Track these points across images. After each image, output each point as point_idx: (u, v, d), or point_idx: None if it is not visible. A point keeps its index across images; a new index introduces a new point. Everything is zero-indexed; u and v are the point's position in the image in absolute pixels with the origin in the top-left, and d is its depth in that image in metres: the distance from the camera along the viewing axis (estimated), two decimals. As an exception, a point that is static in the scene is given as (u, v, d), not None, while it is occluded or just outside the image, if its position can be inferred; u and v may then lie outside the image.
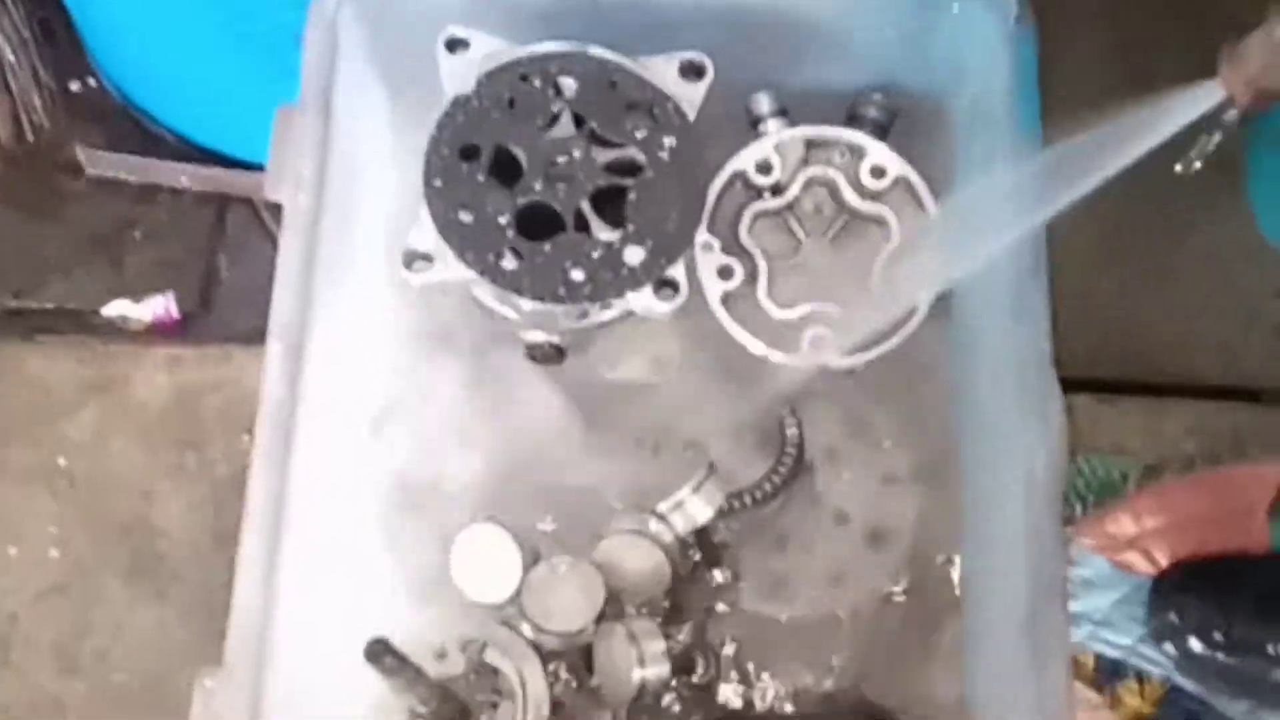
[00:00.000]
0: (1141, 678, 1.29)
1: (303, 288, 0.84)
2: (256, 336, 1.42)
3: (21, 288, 1.51)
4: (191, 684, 0.75)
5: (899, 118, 0.95)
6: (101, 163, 1.53)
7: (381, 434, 0.91)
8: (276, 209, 1.46)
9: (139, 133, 1.53)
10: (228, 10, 1.35)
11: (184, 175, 1.53)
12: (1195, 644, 1.25)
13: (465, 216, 0.87)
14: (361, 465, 0.90)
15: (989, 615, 0.83)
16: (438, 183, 0.88)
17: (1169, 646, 1.26)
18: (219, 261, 1.55)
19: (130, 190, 1.54)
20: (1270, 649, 1.23)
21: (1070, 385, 1.24)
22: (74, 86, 1.54)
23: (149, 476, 1.46)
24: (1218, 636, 1.24)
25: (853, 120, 0.96)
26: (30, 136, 1.52)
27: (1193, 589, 1.28)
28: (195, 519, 1.43)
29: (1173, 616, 1.26)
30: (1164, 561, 1.30)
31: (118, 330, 1.51)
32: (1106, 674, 1.30)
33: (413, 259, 0.87)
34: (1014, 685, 0.77)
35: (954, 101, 0.94)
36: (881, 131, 0.96)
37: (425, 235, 0.87)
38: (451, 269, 0.86)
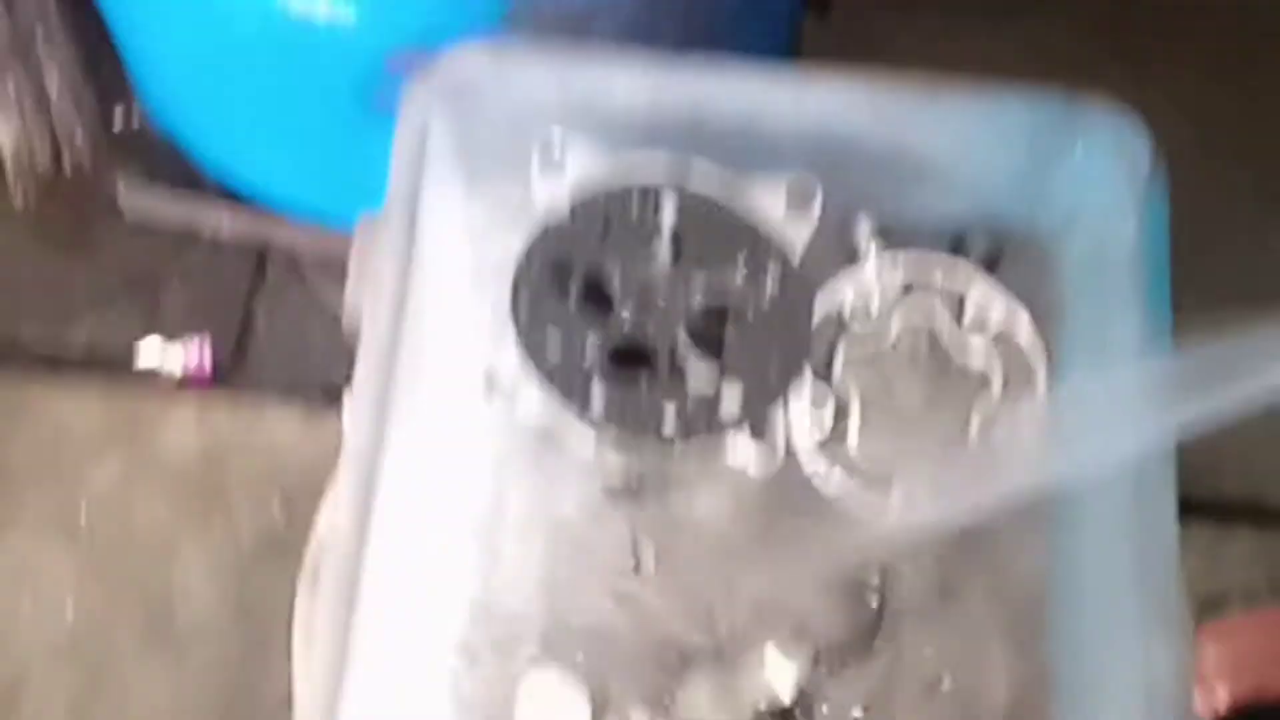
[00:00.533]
0: (1193, 819, 1.25)
1: (379, 416, 0.79)
2: (291, 391, 1.38)
3: (51, 325, 1.47)
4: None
5: (1009, 260, 0.90)
6: (141, 201, 1.49)
7: (457, 562, 0.86)
8: (318, 264, 1.42)
9: (181, 174, 1.49)
10: (282, 56, 1.30)
11: (225, 217, 1.49)
12: (1254, 794, 1.21)
13: (553, 344, 0.82)
14: (434, 593, 0.86)
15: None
16: (524, 309, 0.83)
17: (1225, 794, 1.22)
18: (256, 311, 1.51)
19: (169, 233, 1.50)
20: (1329, 800, 1.19)
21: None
22: (117, 122, 1.49)
23: (172, 535, 1.42)
24: (1277, 784, 1.20)
25: (957, 260, 0.92)
26: (69, 171, 1.47)
27: (1252, 735, 1.24)
28: (217, 585, 1.39)
29: (1231, 761, 1.22)
30: (1223, 703, 1.26)
31: (149, 378, 1.46)
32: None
33: (494, 388, 0.82)
34: None
35: (1072, 250, 0.90)
36: (987, 275, 0.91)
37: (508, 363, 0.82)
38: (535, 402, 0.82)
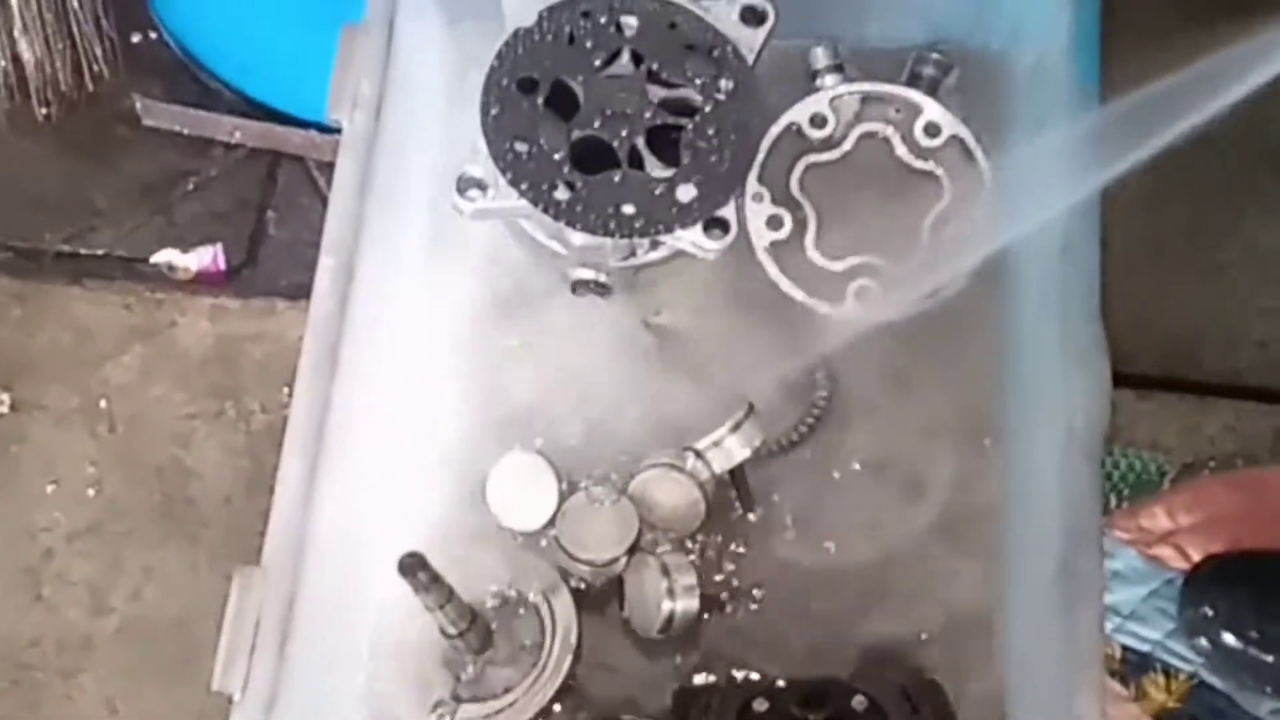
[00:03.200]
0: (1168, 672, 1.28)
1: (356, 208, 0.85)
2: (302, 292, 1.44)
3: (72, 232, 1.54)
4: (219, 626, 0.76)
5: (957, 75, 0.95)
6: (158, 113, 1.56)
7: (424, 359, 0.91)
8: (328, 169, 1.47)
9: (196, 86, 1.56)
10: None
11: (238, 130, 1.55)
12: (1229, 638, 1.24)
13: (520, 147, 0.88)
14: (405, 387, 0.91)
15: (1023, 564, 0.83)
16: (495, 112, 0.88)
17: (1200, 640, 1.26)
18: (268, 217, 1.57)
19: (184, 142, 1.57)
20: (1305, 649, 1.23)
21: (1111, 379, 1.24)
22: (135, 37, 1.56)
23: (187, 423, 1.48)
24: (1251, 633, 1.24)
25: (911, 77, 0.97)
26: (90, 85, 1.54)
27: (1227, 584, 1.27)
28: (230, 467, 1.45)
29: (1206, 610, 1.26)
30: (1196, 557, 1.30)
31: (164, 279, 1.53)
32: (1133, 667, 1.29)
33: (467, 186, 0.87)
34: (1046, 632, 0.77)
35: (1013, 60, 0.95)
36: (937, 89, 0.96)
37: (480, 164, 0.87)
38: (504, 198, 0.87)
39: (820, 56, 0.97)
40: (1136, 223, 1.33)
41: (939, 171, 0.94)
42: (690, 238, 0.87)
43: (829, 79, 0.97)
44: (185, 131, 1.57)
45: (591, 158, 0.88)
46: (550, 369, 0.92)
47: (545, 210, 0.87)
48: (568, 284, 0.93)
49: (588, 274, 0.92)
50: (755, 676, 0.83)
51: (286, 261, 1.54)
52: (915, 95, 0.96)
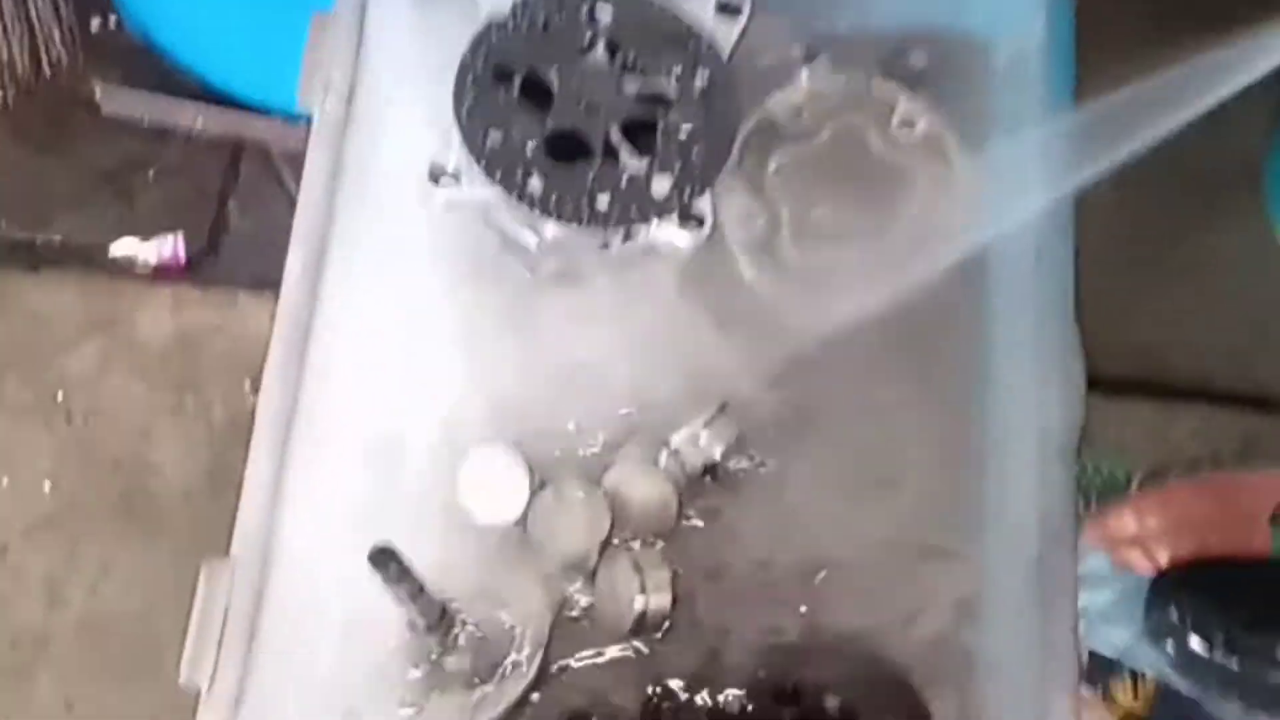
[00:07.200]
0: (1135, 676, 1.28)
1: (327, 198, 0.83)
2: (264, 283, 1.42)
3: (29, 220, 1.51)
4: (179, 622, 0.75)
5: (935, 70, 0.95)
6: (118, 100, 1.53)
7: (397, 351, 0.90)
8: (291, 160, 1.45)
9: (157, 73, 1.54)
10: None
11: (200, 116, 1.53)
12: (1195, 642, 1.24)
13: (494, 136, 0.86)
14: (375, 380, 0.89)
15: (999, 564, 0.82)
16: (469, 102, 0.87)
17: (1167, 644, 1.25)
18: (229, 207, 1.55)
19: (145, 131, 1.54)
20: (1270, 654, 1.22)
21: (1080, 380, 1.24)
22: (95, 23, 1.54)
23: (147, 415, 1.46)
24: (1218, 638, 1.24)
25: (888, 69, 0.96)
26: (48, 71, 1.51)
27: (1194, 588, 1.27)
28: (190, 461, 1.43)
29: (1172, 613, 1.25)
30: (1164, 561, 1.29)
31: (123, 268, 1.50)
32: (1101, 670, 1.29)
33: (439, 175, 0.86)
34: (1022, 629, 0.76)
35: (990, 55, 0.94)
36: (915, 82, 0.95)
37: (453, 153, 0.86)
38: (477, 187, 0.86)
39: (796, 49, 0.96)
40: (1108, 227, 1.33)
41: (915, 164, 0.93)
42: (665, 230, 0.86)
43: (804, 71, 0.96)
44: (146, 119, 1.54)
45: (566, 148, 0.87)
46: (522, 361, 0.91)
47: (519, 199, 0.85)
48: (540, 275, 0.91)
49: (559, 266, 0.91)
50: (727, 674, 0.82)
51: (249, 252, 1.52)
52: (892, 88, 0.95)
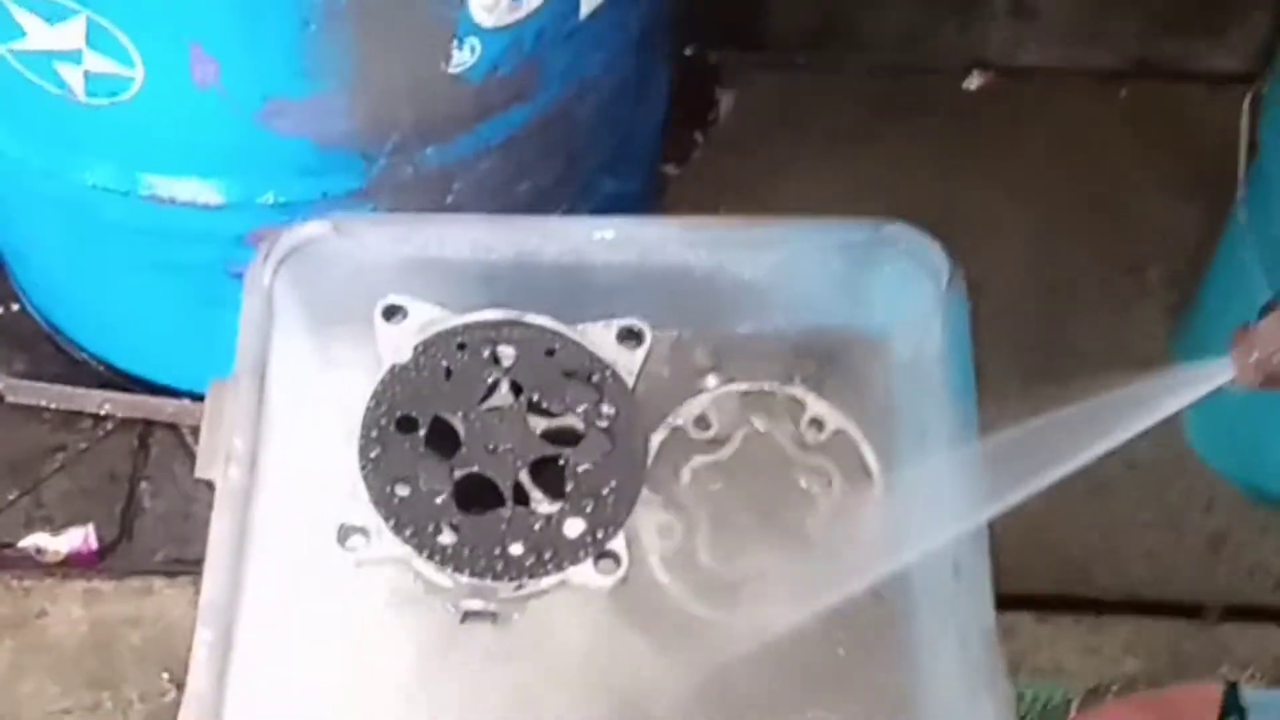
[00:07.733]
0: None
1: (235, 566, 0.81)
2: (180, 568, 1.39)
3: (-67, 520, 1.47)
4: None
5: (838, 370, 0.96)
6: (22, 391, 1.51)
7: (317, 706, 0.87)
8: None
9: (62, 357, 1.52)
10: (150, 241, 1.34)
11: (107, 403, 1.51)
12: None
13: (402, 490, 0.86)
14: None
15: None
16: (374, 454, 0.87)
17: None
18: (141, 489, 1.52)
19: (51, 416, 1.52)
20: None
21: (1007, 602, 1.24)
22: (-3, 310, 1.52)
23: (62, 718, 1.41)
24: None
25: (790, 372, 0.97)
26: (-53, 363, 1.49)
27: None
28: (110, 765, 1.38)
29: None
30: (1107, 786, 1.29)
31: (33, 563, 1.47)
32: None
33: (348, 535, 0.85)
34: None
35: (891, 355, 0.95)
36: (819, 383, 0.96)
37: (360, 509, 0.85)
38: (387, 545, 0.85)
39: (700, 358, 0.97)
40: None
41: (828, 466, 0.94)
42: (581, 574, 0.86)
43: (710, 379, 0.96)
44: (52, 406, 1.52)
45: (475, 494, 0.87)
46: (445, 701, 0.89)
47: (430, 558, 0.85)
48: (459, 614, 0.90)
49: (476, 605, 0.89)
50: None
51: (162, 535, 1.50)
52: (797, 391, 0.96)
